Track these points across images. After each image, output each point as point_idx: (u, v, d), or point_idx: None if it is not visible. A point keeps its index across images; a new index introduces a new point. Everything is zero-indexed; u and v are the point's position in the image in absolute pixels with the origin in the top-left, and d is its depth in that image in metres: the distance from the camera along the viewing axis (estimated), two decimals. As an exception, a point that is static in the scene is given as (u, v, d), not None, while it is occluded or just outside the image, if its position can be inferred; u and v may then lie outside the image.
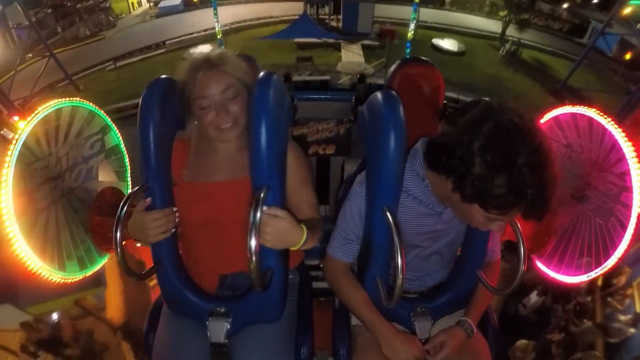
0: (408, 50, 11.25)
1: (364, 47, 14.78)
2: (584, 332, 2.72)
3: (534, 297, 2.99)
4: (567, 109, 1.52)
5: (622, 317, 2.71)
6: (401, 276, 0.96)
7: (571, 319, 2.82)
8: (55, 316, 2.60)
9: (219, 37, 12.06)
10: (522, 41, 15.96)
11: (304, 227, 1.03)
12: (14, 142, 1.25)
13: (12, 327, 2.48)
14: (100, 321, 2.63)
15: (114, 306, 2.55)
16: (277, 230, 0.97)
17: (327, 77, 10.88)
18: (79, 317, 2.63)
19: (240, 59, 1.16)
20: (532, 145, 0.85)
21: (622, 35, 13.72)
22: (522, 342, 2.74)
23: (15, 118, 7.04)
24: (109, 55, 14.53)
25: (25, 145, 1.28)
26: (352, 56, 14.18)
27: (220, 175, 1.16)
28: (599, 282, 2.70)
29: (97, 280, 2.67)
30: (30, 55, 12.94)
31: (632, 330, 2.63)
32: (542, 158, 0.86)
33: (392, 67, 1.33)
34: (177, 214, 1.12)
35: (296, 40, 13.86)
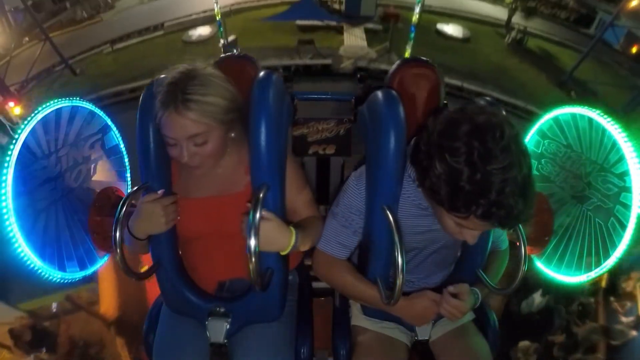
0: (412, 35, 10.15)
1: (366, 30, 13.86)
2: (586, 333, 2.69)
3: (537, 298, 2.93)
4: (567, 109, 1.52)
5: (625, 319, 2.68)
6: (401, 276, 0.96)
7: (574, 319, 2.78)
8: (53, 307, 2.57)
9: (218, 18, 11.01)
10: (528, 30, 15.21)
11: (293, 229, 1.02)
12: (14, 142, 1.25)
13: (3, 321, 2.46)
14: (93, 317, 2.59)
15: (107, 301, 2.49)
16: (263, 232, 0.94)
17: (328, 61, 9.84)
18: (71, 312, 2.59)
19: (222, 84, 1.01)
20: (506, 144, 0.80)
21: (629, 28, 13.42)
22: (524, 344, 2.71)
23: (11, 104, 6.77)
24: (107, 38, 13.74)
25: (25, 146, 1.28)
26: (354, 40, 13.29)
27: (208, 191, 1.13)
28: (603, 284, 2.64)
29: (90, 276, 2.63)
30: (27, 39, 12.38)
31: (634, 332, 2.59)
32: (514, 158, 0.80)
33: (392, 67, 1.33)
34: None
35: (298, 22, 13.15)
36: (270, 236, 0.99)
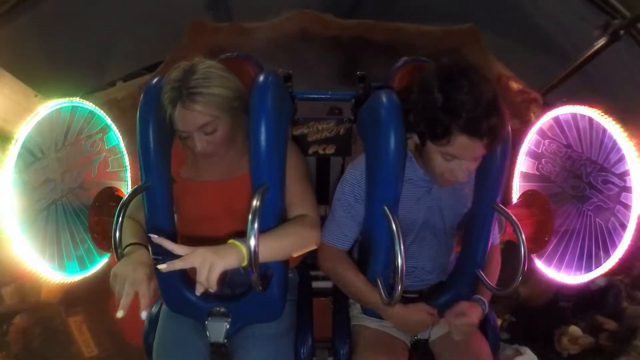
0: None
1: None
2: (631, 318, 2.31)
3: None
4: (568, 109, 1.51)
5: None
6: (401, 276, 0.96)
7: (629, 292, 2.36)
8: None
9: None
10: None
11: (235, 242, 0.95)
12: (14, 142, 1.25)
13: None
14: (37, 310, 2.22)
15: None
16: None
17: None
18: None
19: (223, 75, 1.06)
20: (470, 75, 0.93)
21: None
22: (574, 330, 2.30)
23: None
24: None
25: (25, 146, 1.28)
26: None
27: (217, 174, 1.18)
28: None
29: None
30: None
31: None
32: (477, 83, 0.92)
33: (393, 67, 1.33)
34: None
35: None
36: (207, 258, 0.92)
